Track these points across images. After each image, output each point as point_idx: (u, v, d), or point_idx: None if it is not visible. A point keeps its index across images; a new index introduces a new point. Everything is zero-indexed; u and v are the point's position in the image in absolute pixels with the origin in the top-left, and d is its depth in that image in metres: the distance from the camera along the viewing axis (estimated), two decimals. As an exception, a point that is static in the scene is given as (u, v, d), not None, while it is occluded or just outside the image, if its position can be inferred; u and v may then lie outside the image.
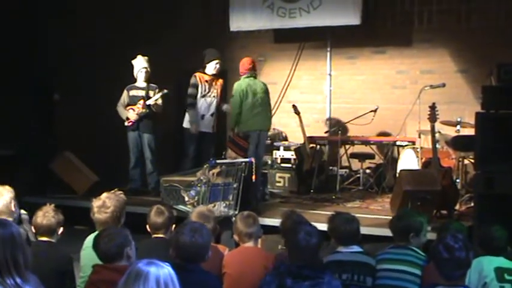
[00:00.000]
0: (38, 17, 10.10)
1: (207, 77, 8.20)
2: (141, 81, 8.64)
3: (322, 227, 4.47)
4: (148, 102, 8.52)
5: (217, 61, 8.16)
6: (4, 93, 9.44)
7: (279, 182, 9.07)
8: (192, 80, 8.20)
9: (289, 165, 9.33)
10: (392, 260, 4.25)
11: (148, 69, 8.61)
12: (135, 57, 8.64)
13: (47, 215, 4.22)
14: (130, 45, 9.66)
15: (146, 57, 8.63)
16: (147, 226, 4.54)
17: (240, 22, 9.97)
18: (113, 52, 10.25)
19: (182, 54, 10.51)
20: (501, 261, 4.12)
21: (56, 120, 10.63)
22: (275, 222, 6.13)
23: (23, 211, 4.82)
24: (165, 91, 8.57)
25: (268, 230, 5.73)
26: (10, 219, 4.24)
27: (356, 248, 4.24)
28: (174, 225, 4.46)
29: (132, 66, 8.64)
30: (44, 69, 10.21)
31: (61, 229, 4.28)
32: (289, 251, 3.63)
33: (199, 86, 8.17)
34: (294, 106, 9.36)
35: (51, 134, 10.36)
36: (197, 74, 8.22)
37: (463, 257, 3.28)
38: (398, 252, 4.28)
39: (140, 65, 8.60)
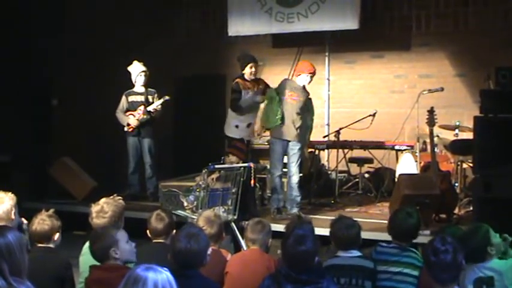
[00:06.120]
0: (35, 24, 10.10)
1: (248, 84, 7.90)
2: (139, 86, 8.63)
3: (321, 231, 4.47)
4: (149, 109, 8.50)
5: (250, 64, 7.82)
6: (1, 99, 9.45)
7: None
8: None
9: (288, 169, 9.31)
10: (395, 262, 4.26)
11: (147, 72, 8.60)
12: (131, 64, 8.62)
13: (40, 221, 4.21)
14: (127, 51, 9.65)
15: (142, 62, 8.62)
16: (148, 231, 4.54)
17: (238, 27, 9.97)
18: (110, 58, 10.24)
19: (180, 59, 10.52)
20: (487, 268, 3.99)
21: (54, 126, 10.64)
22: (273, 227, 6.12)
23: (23, 220, 4.77)
24: (167, 98, 8.54)
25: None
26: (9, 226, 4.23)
27: (355, 253, 4.24)
28: (174, 231, 4.46)
29: (129, 73, 8.61)
30: (41, 76, 10.22)
31: (57, 235, 4.24)
32: (281, 255, 3.63)
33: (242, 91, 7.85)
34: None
35: (49, 140, 10.38)
36: (239, 81, 7.88)
37: (449, 260, 3.26)
38: (401, 254, 4.29)
39: (138, 69, 8.58)
